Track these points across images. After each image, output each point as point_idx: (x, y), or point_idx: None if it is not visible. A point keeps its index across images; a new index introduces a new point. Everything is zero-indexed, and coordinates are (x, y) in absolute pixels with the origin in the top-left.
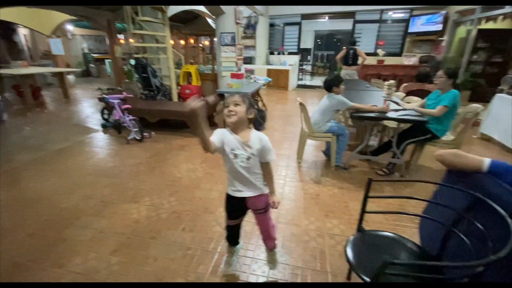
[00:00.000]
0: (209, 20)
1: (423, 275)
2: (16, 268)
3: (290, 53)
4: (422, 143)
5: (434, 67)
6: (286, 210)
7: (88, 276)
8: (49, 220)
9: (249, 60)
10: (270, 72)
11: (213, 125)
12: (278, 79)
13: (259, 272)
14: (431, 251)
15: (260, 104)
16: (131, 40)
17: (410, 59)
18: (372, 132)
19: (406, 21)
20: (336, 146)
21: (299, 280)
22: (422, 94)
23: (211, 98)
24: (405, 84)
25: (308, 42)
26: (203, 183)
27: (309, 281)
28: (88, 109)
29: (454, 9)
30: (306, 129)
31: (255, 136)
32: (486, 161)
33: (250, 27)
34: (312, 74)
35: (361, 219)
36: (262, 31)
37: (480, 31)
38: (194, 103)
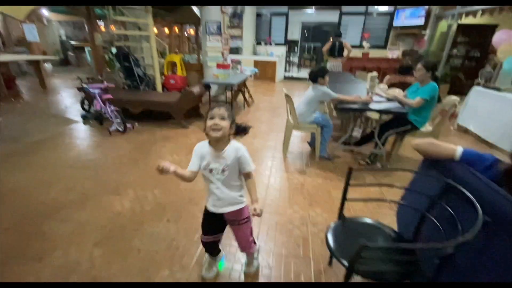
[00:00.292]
0: (194, 8)
1: (397, 257)
2: None
3: (277, 44)
4: (403, 134)
5: (416, 61)
6: (271, 200)
7: (70, 269)
8: (26, 214)
9: (235, 51)
10: (257, 63)
11: (199, 116)
12: (265, 71)
13: (244, 260)
14: (407, 235)
15: (246, 95)
16: (112, 28)
17: (394, 52)
18: (355, 123)
19: (391, 15)
20: (320, 137)
21: (282, 267)
22: (404, 86)
23: (196, 89)
24: (388, 77)
25: (295, 33)
26: None
27: (292, 267)
28: (67, 100)
29: None
30: (291, 120)
31: (231, 148)
32: (458, 150)
33: (236, 17)
34: (299, 66)
35: (341, 207)
36: (248, 21)
37: (460, 26)
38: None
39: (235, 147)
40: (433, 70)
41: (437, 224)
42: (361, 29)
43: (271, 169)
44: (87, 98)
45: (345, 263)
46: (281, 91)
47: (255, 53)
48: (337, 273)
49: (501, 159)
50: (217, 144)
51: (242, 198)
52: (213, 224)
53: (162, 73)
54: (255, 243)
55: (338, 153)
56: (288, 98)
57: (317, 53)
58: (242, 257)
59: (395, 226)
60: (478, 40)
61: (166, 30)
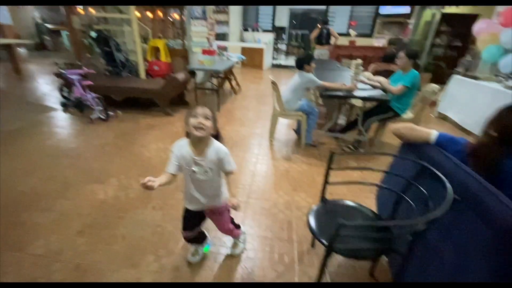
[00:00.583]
0: None
1: (373, 234)
2: None
3: (265, 31)
4: (385, 121)
5: (401, 49)
6: (257, 186)
7: (52, 258)
8: (3, 204)
9: (222, 37)
10: (244, 50)
11: (184, 104)
12: (252, 58)
13: (230, 244)
14: (385, 216)
15: (233, 83)
16: (90, 10)
17: (380, 41)
18: (340, 110)
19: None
20: (306, 125)
21: (267, 249)
22: (389, 74)
23: (181, 75)
24: (372, 65)
25: (283, 20)
26: None
27: (276, 249)
28: (45, 86)
29: None
30: (278, 108)
31: (213, 149)
32: (433, 134)
33: None
34: (287, 53)
35: (323, 190)
36: (235, 5)
37: (444, 15)
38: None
39: (216, 148)
40: (415, 58)
41: (411, 204)
42: (348, 17)
43: (257, 156)
44: (65, 85)
45: (325, 242)
46: (269, 78)
47: (242, 39)
48: (319, 254)
49: (472, 142)
50: (199, 144)
51: (221, 191)
52: (194, 220)
53: (145, 59)
54: (238, 227)
55: (323, 140)
56: (274, 85)
57: (305, 40)
58: (228, 241)
59: (375, 209)
60: (460, 29)
61: (149, 14)
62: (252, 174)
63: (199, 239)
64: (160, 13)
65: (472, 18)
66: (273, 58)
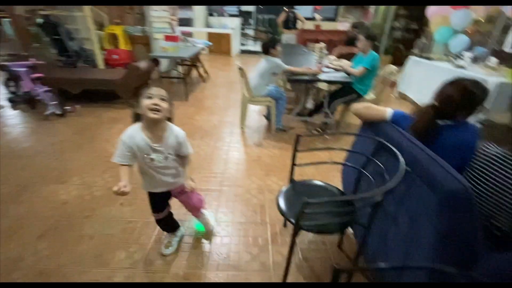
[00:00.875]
0: None
1: (336, 209)
2: None
3: (231, 16)
4: (349, 103)
5: (362, 33)
6: (230, 173)
7: (12, 266)
8: None
9: (186, 22)
10: (211, 36)
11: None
12: (219, 44)
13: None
14: (349, 192)
15: (201, 70)
16: None
17: (344, 25)
18: (308, 94)
19: None
20: (275, 110)
21: (241, 234)
22: (352, 57)
23: (143, 64)
24: (337, 48)
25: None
26: None
27: (250, 232)
28: None
29: None
30: (246, 95)
31: (171, 134)
32: (389, 112)
33: None
34: (255, 39)
35: (291, 172)
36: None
37: None
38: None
39: (175, 132)
40: (373, 40)
41: (371, 178)
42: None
43: (229, 144)
44: (11, 79)
45: (293, 221)
46: (239, 65)
47: (208, 25)
48: (291, 233)
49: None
50: (154, 129)
51: (180, 169)
52: (163, 200)
53: (102, 48)
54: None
55: (293, 125)
56: (241, 71)
57: (272, 25)
58: (187, 229)
59: (341, 186)
60: (416, 12)
61: None
62: (224, 162)
63: (171, 225)
64: None
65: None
66: (241, 44)
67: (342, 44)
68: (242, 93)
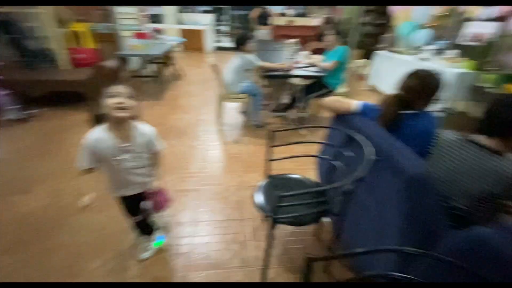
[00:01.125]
0: None
1: (310, 200)
2: None
3: (204, 12)
4: (323, 96)
5: (331, 28)
6: (208, 172)
7: None
8: None
9: (157, 19)
10: (183, 33)
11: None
12: (193, 40)
13: (184, 233)
14: (323, 184)
15: (174, 68)
16: None
17: (316, 20)
18: (283, 90)
19: None
20: (252, 106)
21: (221, 232)
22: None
23: (111, 63)
24: (310, 44)
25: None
26: None
27: (229, 230)
28: None
29: None
30: (221, 92)
31: (138, 133)
32: (357, 104)
33: None
34: (230, 35)
35: (267, 167)
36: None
37: None
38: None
39: (143, 130)
40: (342, 35)
41: (343, 169)
42: None
43: (206, 143)
44: None
45: (270, 215)
46: (211, 62)
47: (180, 21)
48: None
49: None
50: (121, 129)
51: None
52: (136, 203)
53: (66, 47)
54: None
55: (270, 120)
56: (215, 68)
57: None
58: (177, 232)
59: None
60: (383, 8)
61: None
62: (202, 161)
63: (147, 228)
64: None
65: None
66: (216, 41)
67: (315, 39)
68: (217, 91)
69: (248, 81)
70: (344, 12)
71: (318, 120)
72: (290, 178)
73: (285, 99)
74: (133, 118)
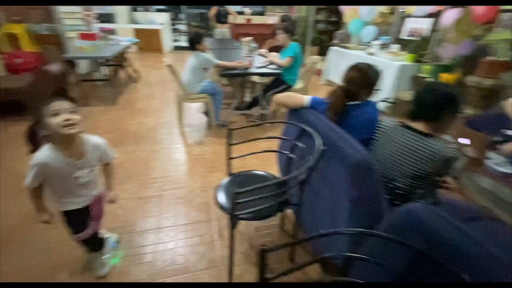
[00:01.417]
0: None
1: (268, 194)
2: None
3: (158, 10)
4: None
5: (290, 25)
6: (171, 176)
7: None
8: None
9: (108, 18)
10: (138, 32)
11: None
12: (149, 41)
13: (147, 241)
14: (283, 177)
15: (130, 70)
16: None
17: (273, 18)
18: (244, 88)
19: None
20: (213, 106)
21: (187, 236)
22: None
23: (56, 67)
24: (267, 41)
25: None
26: None
27: (196, 232)
28: None
29: None
30: (180, 92)
31: (90, 146)
32: (307, 98)
33: None
34: (189, 34)
35: (229, 165)
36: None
37: None
38: None
39: (94, 142)
40: (291, 33)
41: (298, 161)
42: None
43: (168, 146)
44: None
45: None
46: (171, 62)
47: (133, 21)
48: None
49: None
50: (73, 145)
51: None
52: (85, 215)
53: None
54: None
55: (233, 119)
56: (171, 68)
57: (204, 19)
58: (139, 241)
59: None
60: (335, 6)
61: None
62: (164, 166)
63: (99, 242)
64: None
65: None
66: (174, 40)
67: (272, 37)
68: (176, 92)
69: (207, 81)
70: (300, 10)
71: (279, 116)
72: (252, 175)
73: (248, 97)
74: (81, 132)
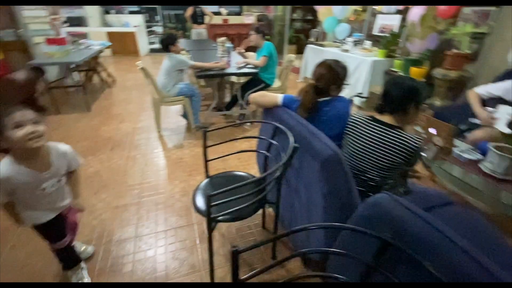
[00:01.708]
0: None
1: (245, 193)
2: None
3: (132, 13)
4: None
5: (262, 26)
6: (150, 182)
7: None
8: None
9: (78, 22)
10: (112, 36)
11: (40, 110)
12: (124, 44)
13: (125, 251)
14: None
15: (104, 75)
16: None
17: (249, 18)
18: (222, 89)
19: None
20: (191, 108)
21: (167, 242)
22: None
23: (21, 75)
24: (244, 41)
25: None
26: None
27: (177, 238)
28: None
29: None
30: (156, 96)
31: (55, 155)
32: (280, 97)
33: None
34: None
35: (206, 167)
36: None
37: None
38: None
39: (60, 151)
40: (263, 33)
41: (274, 159)
42: None
43: (146, 151)
44: None
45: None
46: (148, 66)
47: (106, 23)
48: (219, 227)
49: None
50: (38, 157)
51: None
52: (60, 224)
53: None
54: None
55: (213, 120)
56: (145, 72)
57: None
58: (117, 252)
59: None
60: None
61: None
62: (141, 172)
63: (75, 255)
64: None
65: None
66: (150, 43)
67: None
68: (152, 95)
69: (184, 83)
70: (276, 9)
71: (259, 116)
72: (231, 175)
73: (228, 97)
74: (46, 142)
